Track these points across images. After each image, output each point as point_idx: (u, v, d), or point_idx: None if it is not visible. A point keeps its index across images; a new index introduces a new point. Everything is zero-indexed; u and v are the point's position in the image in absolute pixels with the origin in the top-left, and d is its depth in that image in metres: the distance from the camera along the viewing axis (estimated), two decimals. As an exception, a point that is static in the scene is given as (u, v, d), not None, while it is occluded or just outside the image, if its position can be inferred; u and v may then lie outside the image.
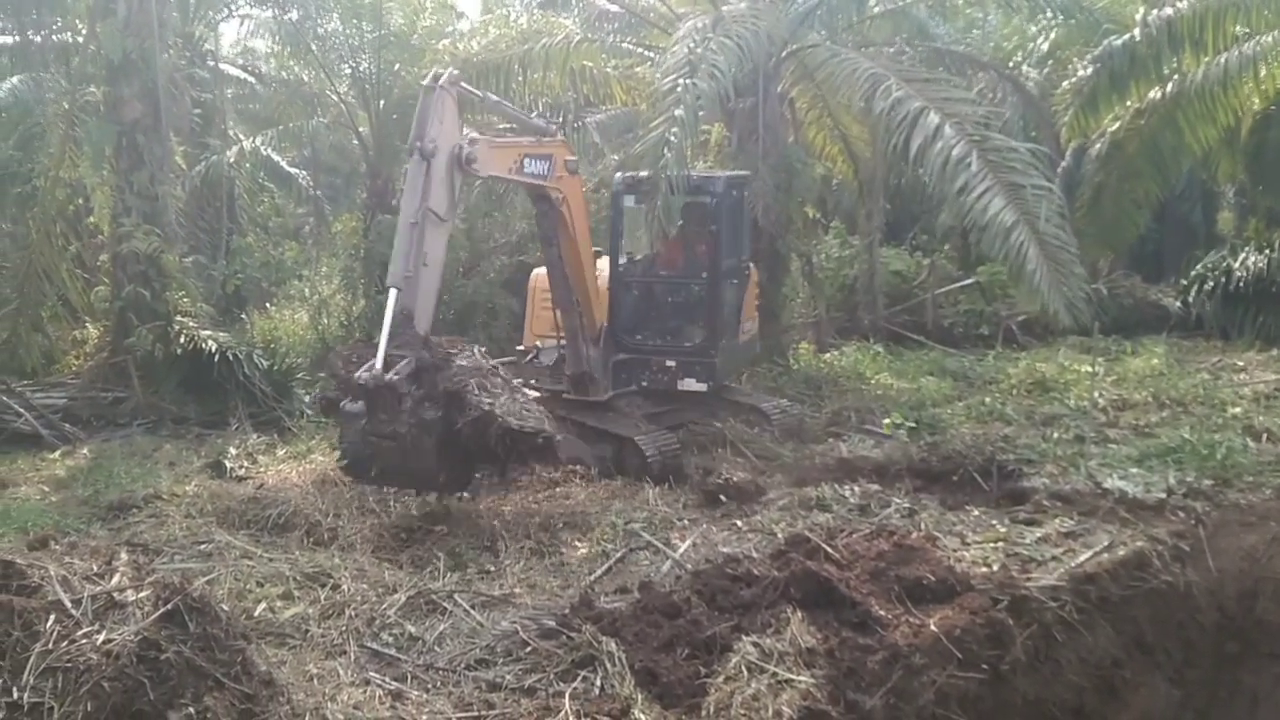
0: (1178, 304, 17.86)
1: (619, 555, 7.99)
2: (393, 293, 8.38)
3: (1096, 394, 12.68)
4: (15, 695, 4.48)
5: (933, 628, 6.38)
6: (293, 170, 23.19)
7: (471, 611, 6.90)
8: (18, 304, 14.00)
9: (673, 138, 10.93)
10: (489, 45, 16.26)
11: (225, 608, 5.54)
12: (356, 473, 8.83)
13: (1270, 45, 15.04)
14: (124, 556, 5.84)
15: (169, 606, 4.94)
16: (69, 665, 4.59)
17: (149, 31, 13.28)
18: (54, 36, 16.63)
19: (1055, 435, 10.69)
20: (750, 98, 13.77)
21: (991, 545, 7.72)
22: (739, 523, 8.54)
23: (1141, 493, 8.62)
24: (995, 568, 7.30)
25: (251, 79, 22.80)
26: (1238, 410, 11.62)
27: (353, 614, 6.76)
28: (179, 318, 13.30)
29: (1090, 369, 13.92)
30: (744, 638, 6.04)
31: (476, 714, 5.63)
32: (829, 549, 7.05)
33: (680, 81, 11.46)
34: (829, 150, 17.66)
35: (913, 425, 11.14)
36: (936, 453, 9.77)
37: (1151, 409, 12.01)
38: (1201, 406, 11.92)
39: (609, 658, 5.90)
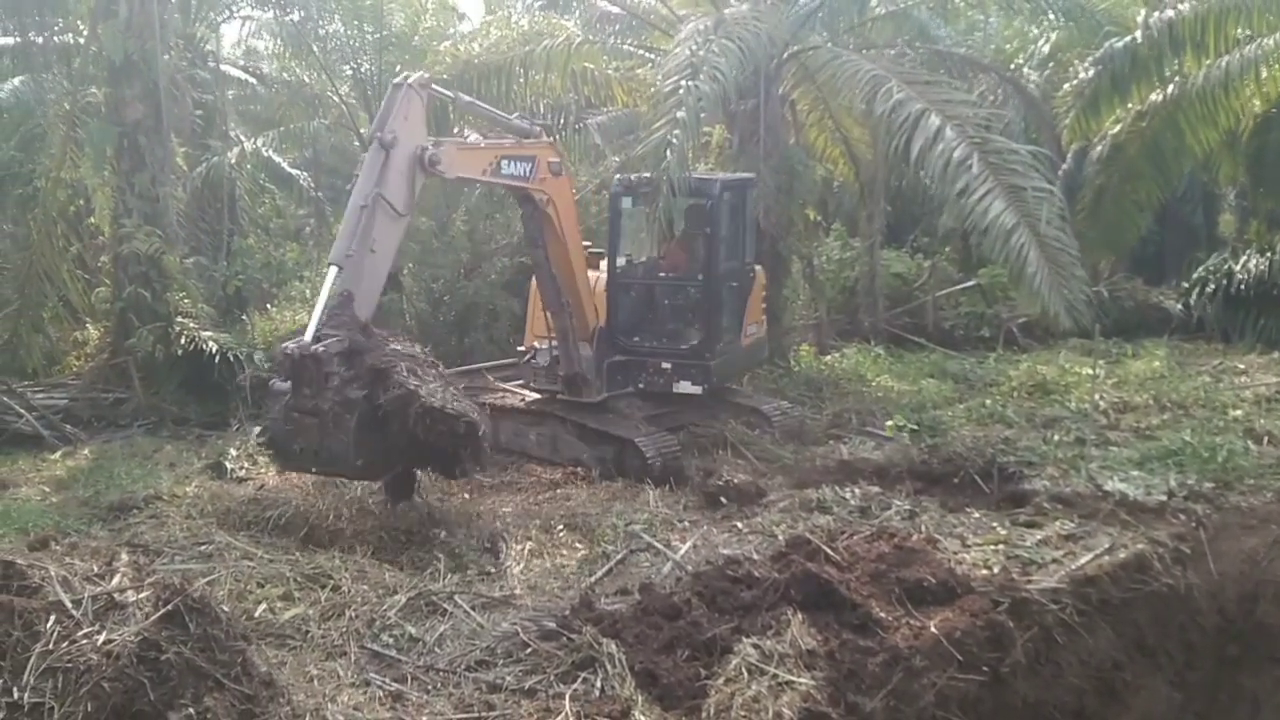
0: (1179, 306, 17.87)
1: (619, 557, 7.99)
2: (333, 270, 8.35)
3: (1097, 396, 12.69)
4: (16, 695, 4.48)
5: (933, 630, 6.38)
6: (294, 171, 23.17)
7: (472, 613, 6.90)
8: (19, 305, 14.02)
9: (674, 140, 10.93)
10: (490, 47, 16.26)
11: (225, 608, 5.53)
12: (277, 452, 8.65)
13: (1271, 48, 15.07)
14: (124, 557, 5.85)
15: (169, 607, 4.94)
16: (69, 666, 4.59)
17: (150, 33, 13.30)
18: (55, 37, 16.62)
19: (1056, 438, 10.68)
20: (752, 99, 13.77)
21: (992, 547, 7.71)
22: (739, 524, 8.54)
23: (1142, 495, 8.63)
24: (996, 570, 7.30)
25: (253, 80, 22.82)
26: (1239, 413, 11.62)
27: (353, 615, 6.76)
28: (180, 319, 13.31)
29: (1091, 371, 13.93)
30: (744, 639, 6.03)
31: (477, 715, 5.62)
32: (830, 551, 7.05)
33: (682, 83, 11.46)
34: (830, 152, 17.67)
35: (914, 427, 11.13)
36: (937, 455, 9.76)
37: (1152, 412, 12.01)
38: (1202, 409, 11.91)
39: (609, 659, 5.91)
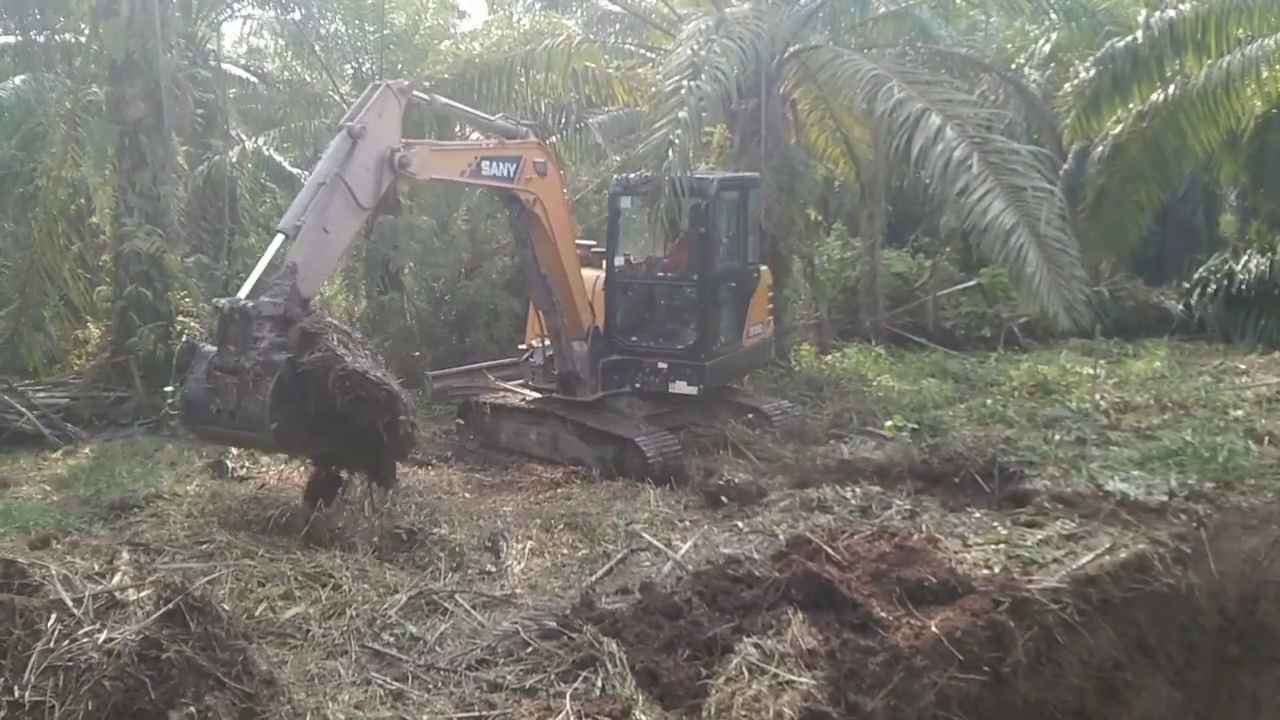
0: (1179, 307, 17.88)
1: (620, 556, 8.00)
2: (279, 238, 8.32)
3: (1098, 396, 12.69)
4: (17, 694, 4.49)
5: (934, 629, 6.38)
6: (295, 170, 23.10)
7: (472, 612, 6.90)
8: (20, 303, 14.03)
9: (676, 139, 10.94)
10: (491, 46, 16.28)
11: (226, 607, 5.54)
12: (189, 412, 8.47)
13: (1272, 48, 15.08)
14: (125, 556, 5.87)
15: (170, 606, 4.95)
16: (70, 664, 4.60)
17: (151, 31, 13.29)
18: (57, 36, 16.62)
19: (1057, 437, 10.68)
20: (753, 99, 13.77)
21: (993, 547, 7.72)
22: (740, 524, 8.55)
23: (1143, 495, 8.63)
24: (996, 570, 7.30)
25: (254, 79, 22.78)
26: (1239, 413, 11.62)
27: (354, 614, 6.76)
28: (181, 318, 13.30)
29: (1092, 371, 13.93)
30: (745, 639, 6.04)
31: (477, 714, 5.62)
32: (830, 550, 7.05)
33: (684, 83, 11.47)
34: (831, 152, 17.67)
35: (914, 427, 11.14)
36: (938, 454, 9.77)
37: (1153, 411, 12.02)
38: (1203, 409, 11.92)
39: (610, 658, 5.91)
